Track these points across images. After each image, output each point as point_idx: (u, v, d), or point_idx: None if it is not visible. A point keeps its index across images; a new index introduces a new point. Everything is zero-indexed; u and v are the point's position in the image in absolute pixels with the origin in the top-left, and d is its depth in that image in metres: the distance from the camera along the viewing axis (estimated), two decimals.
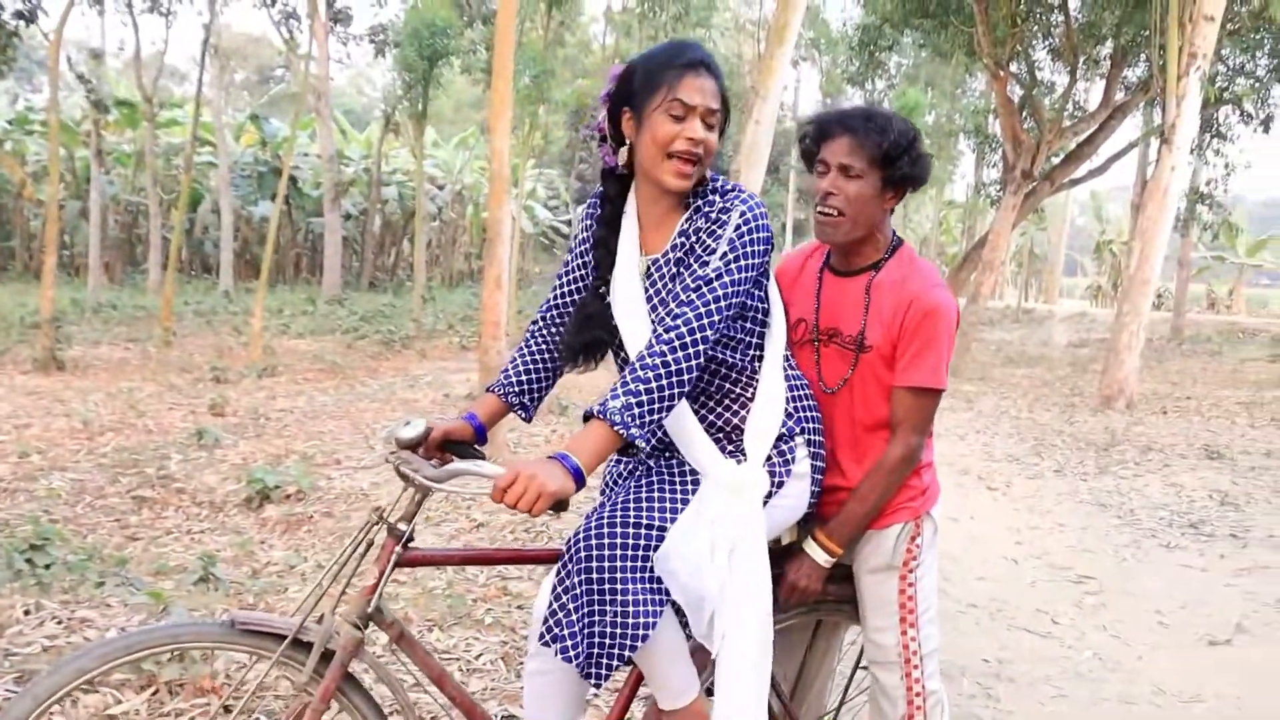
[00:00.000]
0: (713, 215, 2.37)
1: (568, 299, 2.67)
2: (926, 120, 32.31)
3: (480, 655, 4.34)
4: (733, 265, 2.30)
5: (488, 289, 9.52)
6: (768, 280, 2.51)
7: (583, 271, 2.61)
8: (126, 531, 6.35)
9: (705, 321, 2.25)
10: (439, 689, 2.46)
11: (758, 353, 2.50)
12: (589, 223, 2.62)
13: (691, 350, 2.22)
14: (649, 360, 2.20)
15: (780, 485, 2.48)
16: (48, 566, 4.89)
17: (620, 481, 2.62)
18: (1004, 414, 13.12)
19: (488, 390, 2.71)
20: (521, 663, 4.27)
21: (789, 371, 2.56)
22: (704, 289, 2.27)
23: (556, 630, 2.30)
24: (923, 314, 2.49)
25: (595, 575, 2.26)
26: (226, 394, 11.59)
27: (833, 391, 2.63)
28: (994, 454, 10.08)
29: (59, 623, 4.27)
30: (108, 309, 22.59)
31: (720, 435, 2.49)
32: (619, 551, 2.27)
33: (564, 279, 2.67)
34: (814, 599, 2.65)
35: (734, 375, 2.48)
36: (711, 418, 2.49)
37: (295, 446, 9.02)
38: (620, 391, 2.17)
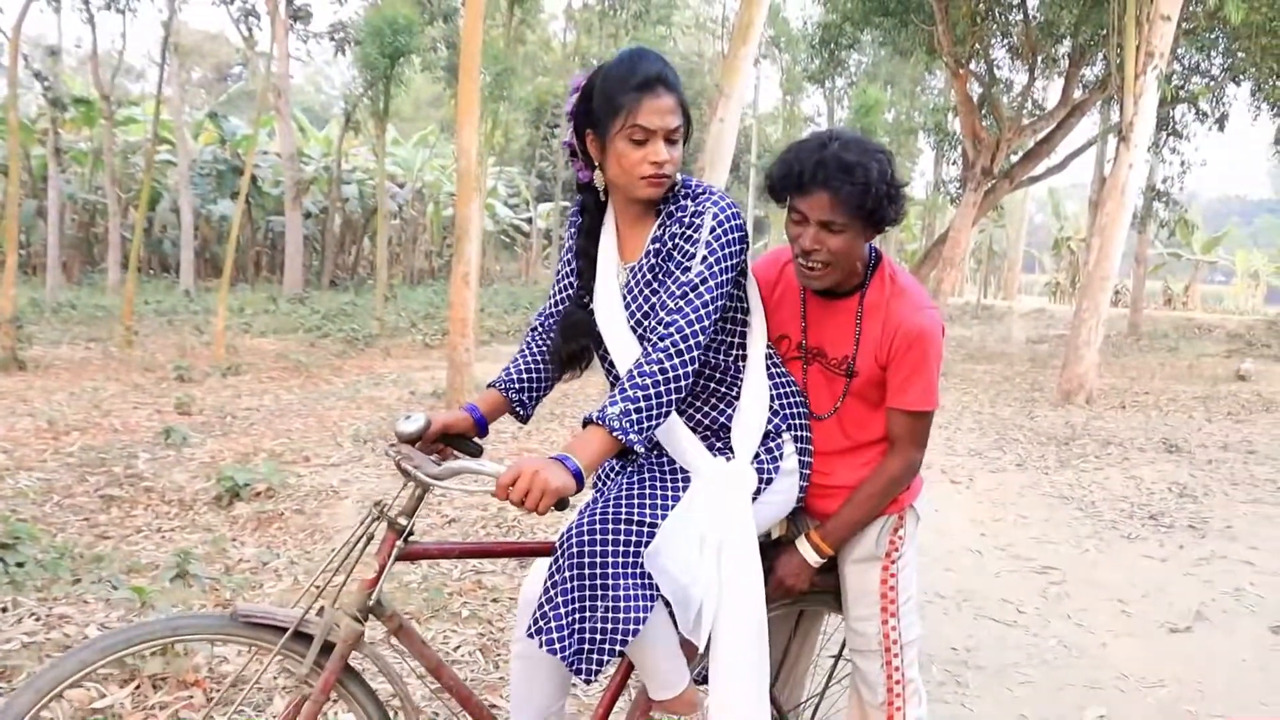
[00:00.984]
0: (686, 220, 2.39)
1: (562, 305, 2.69)
2: (886, 118, 32.56)
3: (459, 647, 4.38)
4: (714, 268, 2.33)
5: (456, 286, 9.56)
6: (746, 279, 2.54)
7: (571, 279, 2.64)
8: (96, 530, 6.31)
9: (697, 327, 2.29)
10: (436, 679, 2.50)
11: (741, 352, 2.54)
12: (572, 230, 2.65)
13: (687, 357, 2.27)
14: (646, 368, 2.24)
15: (769, 482, 2.52)
16: (20, 565, 4.89)
17: (613, 475, 2.65)
18: (965, 409, 13.25)
19: (489, 385, 2.75)
20: (500, 655, 4.32)
21: (774, 369, 2.60)
22: (691, 295, 2.31)
23: (544, 625, 2.33)
24: (909, 341, 2.50)
25: (587, 571, 2.30)
26: (192, 393, 11.53)
27: (822, 419, 2.64)
28: (956, 449, 10.21)
29: (37, 619, 4.29)
30: (67, 309, 22.39)
31: (708, 434, 2.53)
32: (610, 548, 2.31)
33: (558, 286, 2.70)
34: (799, 593, 2.70)
35: (719, 375, 2.52)
36: (699, 417, 2.53)
37: (263, 445, 9.01)
38: (619, 398, 2.22)
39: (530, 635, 2.37)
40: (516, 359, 2.75)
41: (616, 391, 2.26)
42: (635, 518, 2.37)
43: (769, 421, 2.54)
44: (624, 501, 2.39)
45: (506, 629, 4.62)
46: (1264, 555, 6.59)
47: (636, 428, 2.21)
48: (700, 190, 2.44)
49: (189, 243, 30.34)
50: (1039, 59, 19.43)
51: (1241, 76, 19.47)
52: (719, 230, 2.35)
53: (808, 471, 2.63)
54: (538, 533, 6.34)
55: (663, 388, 2.24)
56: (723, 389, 2.53)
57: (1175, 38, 14.32)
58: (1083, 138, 24.40)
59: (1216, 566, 6.36)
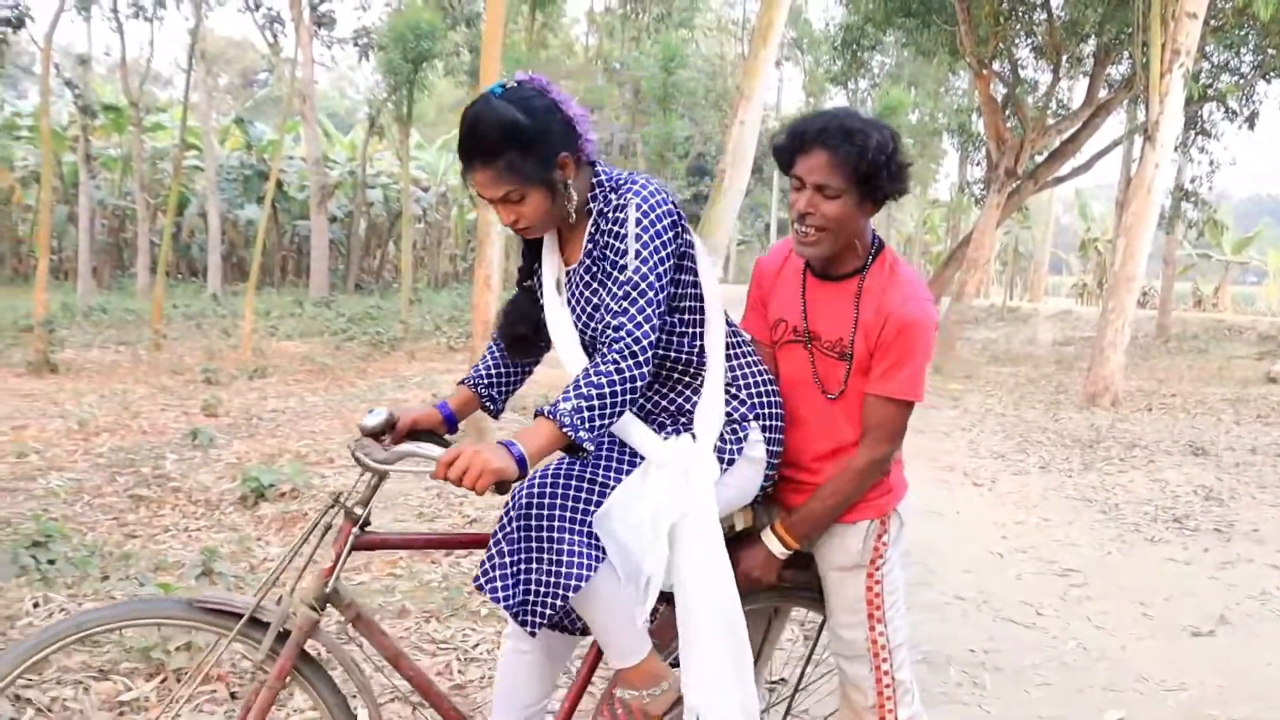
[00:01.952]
0: (610, 215, 2.37)
1: None
2: (910, 119, 32.44)
3: (477, 645, 4.41)
4: (649, 260, 2.31)
5: (478, 289, 9.59)
6: (694, 263, 2.49)
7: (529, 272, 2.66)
8: (125, 529, 6.39)
9: (646, 327, 2.29)
10: (395, 669, 2.52)
11: (701, 342, 2.51)
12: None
13: (641, 358, 2.27)
14: (602, 367, 2.24)
15: (730, 463, 2.49)
16: (51, 562, 5.01)
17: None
18: (990, 411, 13.21)
19: (460, 383, 2.77)
20: None
21: (748, 359, 2.58)
22: (632, 294, 2.30)
23: (490, 575, 2.32)
24: (898, 329, 2.46)
25: (533, 524, 2.29)
26: (218, 395, 11.62)
27: (834, 397, 2.60)
28: (980, 451, 10.16)
29: (67, 614, 4.34)
30: (98, 312, 22.59)
31: (671, 418, 2.52)
32: (558, 502, 2.31)
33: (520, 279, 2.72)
34: (766, 587, 2.68)
35: (681, 366, 2.51)
36: (664, 403, 2.53)
37: (289, 446, 9.06)
38: (571, 394, 2.22)
39: (476, 585, 2.35)
40: (485, 356, 2.77)
41: (570, 386, 2.25)
42: (588, 476, 2.36)
43: (735, 410, 2.52)
44: (577, 463, 2.38)
45: None
46: None
47: (586, 425, 2.20)
48: (620, 181, 2.41)
49: (216, 247, 30.56)
50: (1063, 58, 19.30)
51: (1272, 74, 19.25)
52: (645, 221, 2.33)
53: (776, 462, 2.60)
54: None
55: (617, 388, 2.23)
56: (687, 378, 2.52)
57: (1203, 35, 14.24)
58: (1109, 138, 24.22)
59: (1242, 570, 6.31)
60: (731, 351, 2.56)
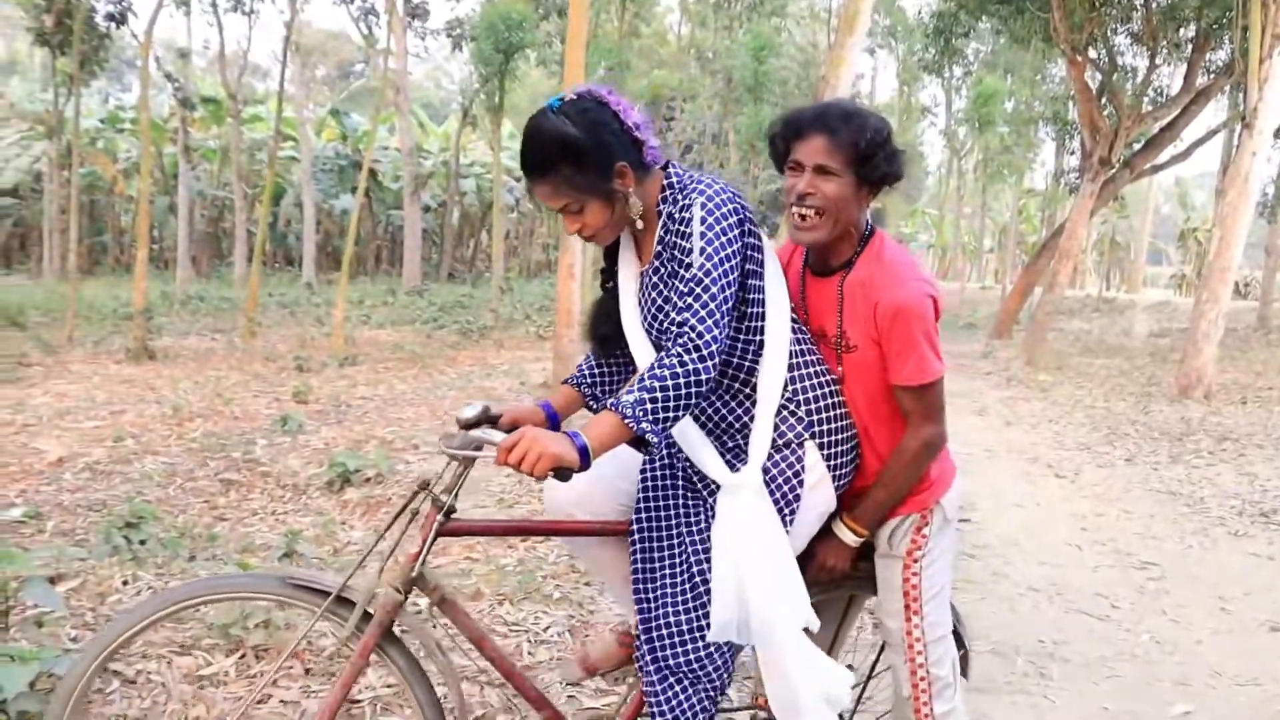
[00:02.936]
0: (677, 216, 2.41)
1: None
2: (1005, 107, 31.97)
3: (548, 628, 4.51)
4: (714, 257, 2.32)
5: (561, 278, 9.72)
6: (760, 265, 2.49)
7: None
8: (215, 512, 6.61)
9: (710, 321, 2.28)
10: (479, 651, 2.60)
11: (759, 350, 2.52)
12: None
13: (705, 352, 2.26)
14: (666, 361, 2.26)
15: (797, 499, 2.52)
16: (143, 542, 5.20)
17: (651, 494, 2.66)
18: (1078, 403, 13.03)
19: (564, 382, 2.84)
20: (588, 635, 4.44)
21: (813, 369, 2.57)
22: (697, 289, 2.31)
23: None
24: (891, 315, 2.47)
25: (663, 657, 2.49)
26: (309, 382, 11.92)
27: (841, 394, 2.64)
28: (1065, 442, 10.06)
29: (155, 592, 4.52)
30: (195, 301, 23.21)
31: (729, 434, 2.55)
32: (675, 629, 2.49)
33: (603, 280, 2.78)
34: (841, 576, 2.73)
35: (742, 376, 2.52)
36: (727, 414, 2.55)
37: (375, 432, 9.27)
38: (635, 388, 2.26)
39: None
40: (589, 355, 2.83)
41: (635, 381, 2.29)
42: (688, 585, 2.51)
43: (791, 429, 2.52)
44: (676, 578, 2.54)
45: (596, 611, 4.73)
46: None
47: (650, 417, 2.22)
48: (687, 182, 2.45)
49: (311, 236, 31.19)
50: (1161, 44, 18.91)
51: None
52: (709, 219, 2.35)
53: (847, 470, 2.61)
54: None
55: (680, 382, 2.24)
56: (747, 389, 2.53)
57: None
58: (1208, 125, 23.66)
59: None
60: (795, 361, 2.54)
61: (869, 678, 3.11)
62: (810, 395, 2.54)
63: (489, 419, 2.63)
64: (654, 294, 2.50)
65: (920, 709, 2.72)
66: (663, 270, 2.46)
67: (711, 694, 2.48)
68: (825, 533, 2.68)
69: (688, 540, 2.52)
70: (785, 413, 2.52)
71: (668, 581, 2.52)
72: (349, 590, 2.47)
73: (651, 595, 2.53)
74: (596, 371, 2.81)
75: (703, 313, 2.28)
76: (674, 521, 2.57)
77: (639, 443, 2.33)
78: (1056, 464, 8.98)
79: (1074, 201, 19.74)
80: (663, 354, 2.29)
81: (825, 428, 2.55)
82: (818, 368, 2.58)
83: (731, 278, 2.34)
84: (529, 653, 4.26)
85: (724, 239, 2.34)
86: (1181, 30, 19.11)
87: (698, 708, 2.48)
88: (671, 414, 2.25)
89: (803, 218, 2.52)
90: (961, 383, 14.62)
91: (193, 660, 3.74)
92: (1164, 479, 8.49)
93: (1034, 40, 21.00)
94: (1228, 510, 7.45)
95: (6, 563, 3.61)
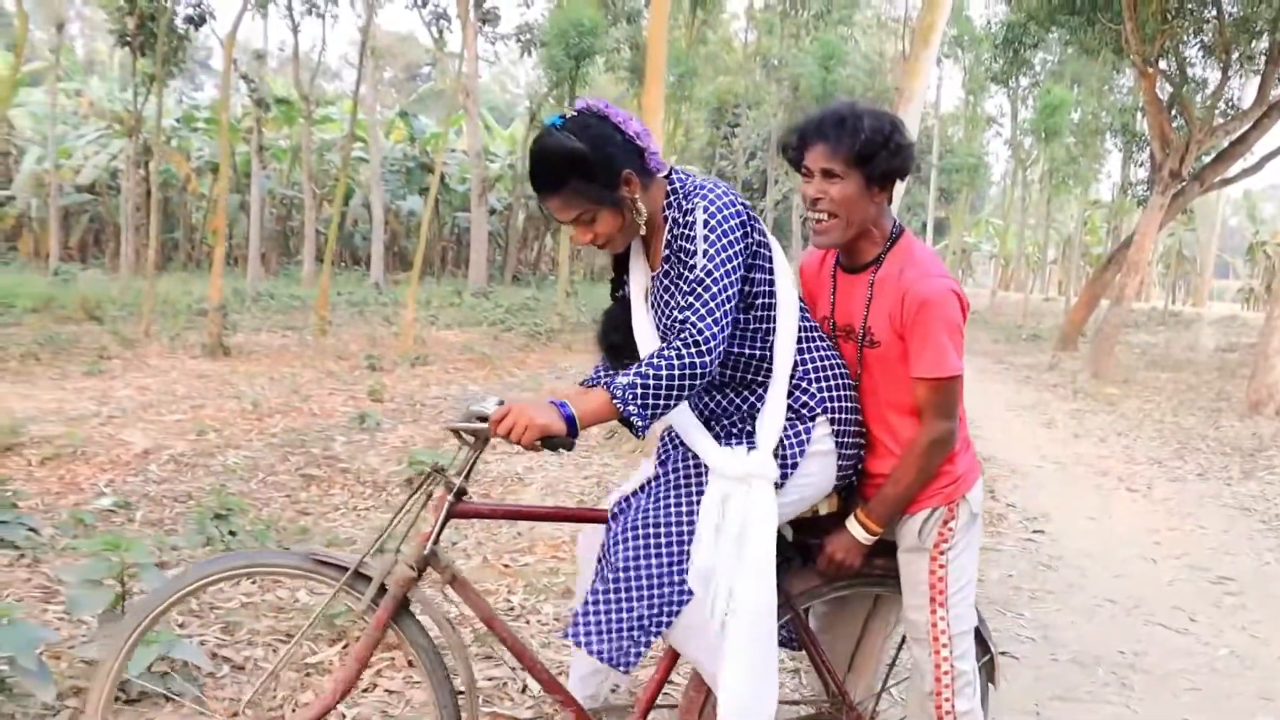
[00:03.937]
0: (682, 220, 2.51)
1: None
2: (1072, 118, 31.74)
3: None
4: (716, 258, 2.42)
5: None
6: (769, 263, 2.59)
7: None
8: (297, 506, 6.75)
9: (710, 320, 2.39)
10: (489, 629, 2.71)
11: (772, 338, 2.62)
12: None
13: (704, 347, 2.37)
14: (665, 352, 2.37)
15: (794, 466, 2.60)
16: (233, 534, 5.34)
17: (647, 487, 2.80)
18: (1147, 417, 12.97)
19: (580, 384, 2.97)
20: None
21: (822, 351, 2.68)
22: (698, 289, 2.41)
23: (585, 627, 2.57)
24: (917, 306, 2.54)
25: (625, 573, 2.56)
26: (382, 381, 12.12)
27: (855, 383, 2.74)
28: (1135, 457, 10.06)
29: (253, 582, 4.71)
30: (266, 298, 23.59)
31: (738, 420, 2.66)
32: (648, 550, 2.57)
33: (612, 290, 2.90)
34: (853, 572, 2.78)
35: (755, 365, 2.62)
36: (738, 400, 2.66)
37: None
38: (630, 372, 2.37)
39: (565, 637, 2.60)
40: (599, 364, 2.97)
41: (633, 366, 2.39)
42: (671, 518, 2.60)
43: (804, 404, 2.62)
44: (655, 505, 2.63)
45: None
46: None
47: (638, 402, 2.33)
48: (692, 187, 2.54)
49: (379, 237, 31.51)
50: (1234, 56, 18.72)
51: None
52: (712, 222, 2.44)
53: (852, 453, 2.71)
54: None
55: (675, 373, 2.34)
56: (760, 378, 2.63)
57: None
58: None
59: None
60: (805, 345, 2.66)
61: (888, 674, 3.20)
62: (819, 374, 2.66)
63: None
64: (665, 297, 2.61)
65: (942, 704, 2.78)
66: (671, 274, 2.57)
67: (650, 626, 2.55)
68: (836, 527, 2.76)
69: (672, 509, 2.62)
70: (798, 391, 2.64)
71: (645, 510, 2.64)
72: (366, 566, 2.62)
73: (625, 544, 2.59)
74: (611, 375, 2.92)
75: (703, 310, 2.39)
76: (666, 495, 2.67)
77: (629, 426, 2.39)
78: (1127, 478, 9.00)
79: (1142, 214, 19.59)
80: (663, 346, 2.40)
81: (835, 405, 2.66)
82: (827, 351, 2.71)
83: (734, 278, 2.45)
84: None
85: (726, 240, 2.45)
86: (1254, 43, 18.92)
87: (638, 634, 2.55)
88: (661, 403, 2.36)
89: (818, 222, 2.64)
90: (1029, 394, 14.51)
91: (299, 647, 3.89)
92: (1237, 494, 8.48)
93: (1104, 51, 20.87)
94: None
95: (125, 550, 3.73)
